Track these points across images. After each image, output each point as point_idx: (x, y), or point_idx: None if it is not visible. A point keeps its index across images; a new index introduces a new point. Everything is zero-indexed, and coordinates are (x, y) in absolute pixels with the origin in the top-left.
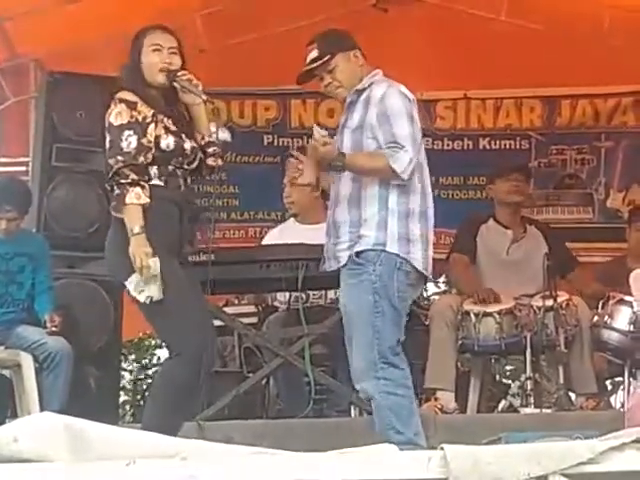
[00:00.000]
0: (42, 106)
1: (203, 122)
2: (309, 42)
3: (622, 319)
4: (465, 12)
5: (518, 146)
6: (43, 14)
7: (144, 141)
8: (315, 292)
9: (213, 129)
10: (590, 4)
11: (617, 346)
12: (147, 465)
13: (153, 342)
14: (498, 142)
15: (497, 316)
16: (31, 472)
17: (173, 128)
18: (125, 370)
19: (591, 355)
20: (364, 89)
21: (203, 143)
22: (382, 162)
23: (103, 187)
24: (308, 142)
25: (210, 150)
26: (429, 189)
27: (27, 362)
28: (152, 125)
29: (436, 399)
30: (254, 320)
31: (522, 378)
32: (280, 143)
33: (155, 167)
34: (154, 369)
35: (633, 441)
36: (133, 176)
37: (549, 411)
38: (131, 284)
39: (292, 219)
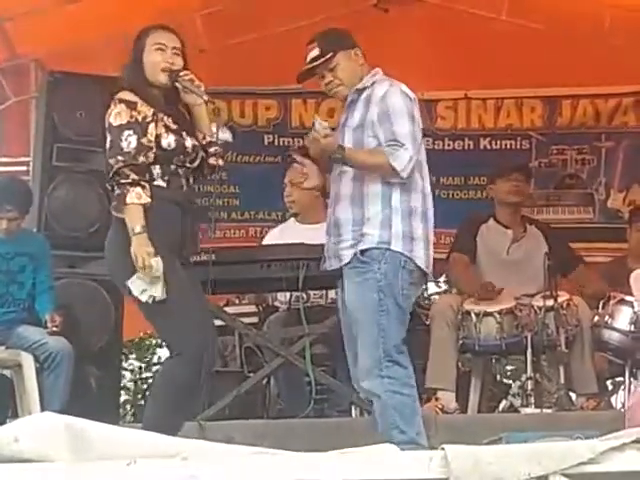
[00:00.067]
0: (42, 106)
1: (204, 122)
2: (310, 41)
3: (623, 319)
4: (466, 12)
5: (519, 146)
6: (43, 14)
7: (144, 141)
8: (316, 292)
9: (214, 129)
10: (591, 4)
11: (618, 346)
12: (148, 465)
13: (154, 342)
14: (499, 142)
15: (498, 316)
16: (32, 472)
17: (173, 126)
18: (126, 370)
19: (592, 355)
20: (365, 88)
21: (204, 143)
22: (382, 159)
23: (104, 187)
24: (308, 134)
25: (211, 150)
26: (429, 189)
27: (28, 362)
28: (152, 124)
29: (437, 399)
30: (255, 320)
31: (523, 378)
32: (281, 143)
33: (157, 167)
34: (155, 368)
35: (633, 441)
36: (133, 176)
37: (550, 411)
38: (133, 284)
39: (292, 219)
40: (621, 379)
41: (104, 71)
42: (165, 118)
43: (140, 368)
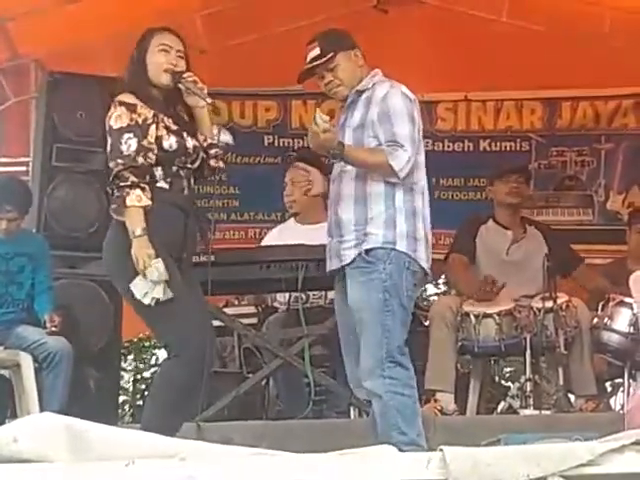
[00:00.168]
0: (42, 106)
1: (206, 124)
2: (310, 41)
3: (622, 321)
4: (466, 13)
5: (518, 148)
6: (44, 14)
7: (145, 143)
8: (315, 293)
9: (215, 131)
10: (591, 6)
11: (617, 348)
12: (146, 465)
13: (153, 342)
14: (498, 144)
15: (497, 317)
16: (31, 472)
17: (174, 127)
18: (125, 370)
19: (591, 357)
20: (365, 89)
21: (205, 145)
22: (381, 158)
23: (103, 187)
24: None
25: (212, 152)
26: (427, 190)
27: (27, 362)
28: (153, 126)
29: (436, 400)
30: (254, 321)
31: (522, 379)
32: (281, 144)
33: (159, 168)
34: (153, 369)
35: (633, 443)
36: (133, 178)
37: (548, 413)
38: (135, 288)
39: (292, 219)
40: (620, 381)
41: (104, 71)
42: (165, 119)
43: (137, 368)
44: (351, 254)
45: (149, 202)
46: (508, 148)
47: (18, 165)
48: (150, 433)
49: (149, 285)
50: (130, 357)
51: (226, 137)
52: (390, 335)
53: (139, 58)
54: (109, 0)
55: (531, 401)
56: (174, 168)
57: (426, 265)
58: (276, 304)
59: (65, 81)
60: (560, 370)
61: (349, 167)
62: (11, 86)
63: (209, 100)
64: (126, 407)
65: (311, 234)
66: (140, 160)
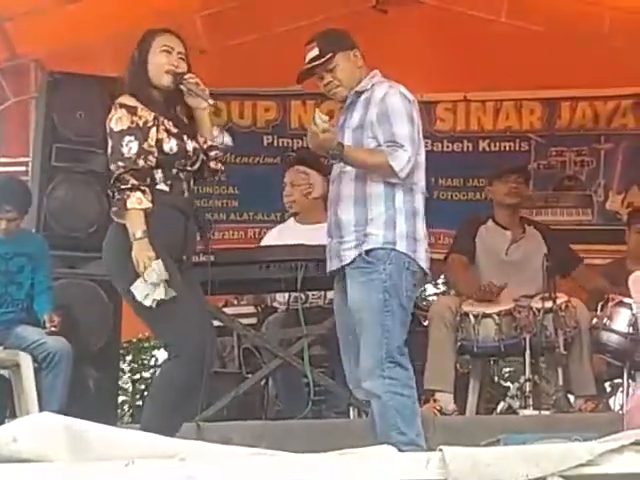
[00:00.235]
0: (42, 106)
1: (206, 126)
2: (309, 41)
3: (621, 321)
4: (465, 13)
5: (518, 148)
6: (43, 14)
7: (145, 146)
8: (314, 293)
9: (215, 133)
10: (590, 6)
11: (616, 348)
12: (146, 465)
13: (152, 343)
14: (498, 144)
15: (496, 317)
16: (30, 472)
17: (174, 130)
18: (123, 371)
19: (590, 357)
20: (364, 90)
21: (206, 147)
22: (381, 158)
23: (103, 187)
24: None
25: (212, 154)
26: (424, 190)
27: (26, 362)
28: (154, 129)
29: (435, 400)
30: (253, 321)
31: (521, 380)
32: (280, 144)
33: (160, 171)
34: (153, 369)
35: (632, 443)
36: (133, 181)
37: (548, 413)
38: (136, 290)
39: (292, 219)
40: (619, 381)
41: (104, 71)
42: (166, 122)
43: (136, 368)
44: (351, 255)
45: (150, 205)
46: (507, 148)
47: (18, 165)
48: (150, 433)
49: (149, 287)
50: (129, 357)
51: (226, 139)
52: (390, 335)
53: (140, 59)
54: (109, 0)
55: (530, 401)
56: (174, 171)
57: (426, 265)
58: (275, 304)
59: (65, 81)
60: (559, 370)
61: (349, 168)
62: (11, 86)
63: (211, 101)
64: (125, 407)
65: (311, 234)
66: (141, 163)
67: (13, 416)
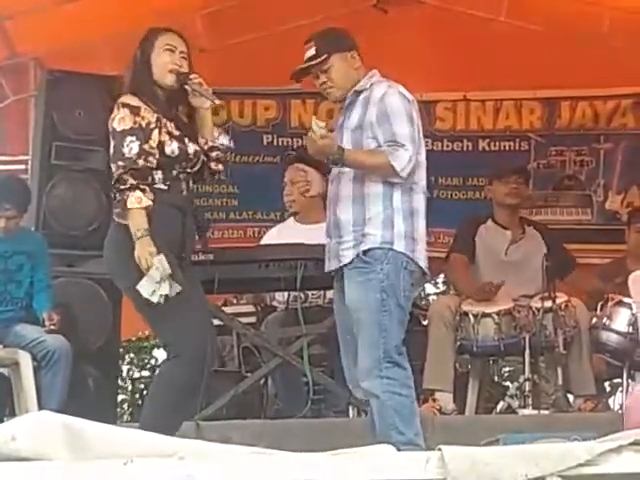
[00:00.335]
0: (42, 104)
1: (208, 126)
2: (307, 40)
3: (621, 321)
4: (465, 13)
5: (517, 147)
6: (43, 13)
7: (146, 147)
8: (314, 292)
9: (216, 134)
10: (590, 5)
11: (616, 348)
12: (145, 464)
13: (152, 343)
14: (497, 143)
15: (496, 317)
16: (29, 471)
17: (176, 133)
18: (123, 372)
19: (590, 357)
20: (363, 90)
21: (206, 148)
22: (382, 159)
23: (102, 185)
24: (308, 133)
25: (213, 154)
26: (426, 190)
27: (25, 360)
28: (156, 131)
29: (434, 400)
30: (253, 320)
31: (520, 379)
32: (280, 143)
33: (159, 172)
34: (153, 368)
35: (631, 443)
36: (132, 181)
37: (547, 412)
38: (142, 288)
39: (291, 219)
40: (619, 381)
41: (103, 70)
42: (168, 124)
43: (136, 366)
44: (349, 254)
45: (150, 202)
46: (507, 148)
47: (17, 163)
48: (149, 432)
49: (155, 284)
50: (129, 356)
51: (226, 140)
52: (387, 335)
53: (143, 58)
54: None
55: (530, 401)
56: (174, 172)
57: (424, 265)
58: (275, 303)
59: (64, 80)
60: (559, 370)
61: (347, 168)
62: (10, 84)
63: (217, 101)
64: (125, 406)
65: (310, 233)
66: (141, 163)
67: (12, 414)
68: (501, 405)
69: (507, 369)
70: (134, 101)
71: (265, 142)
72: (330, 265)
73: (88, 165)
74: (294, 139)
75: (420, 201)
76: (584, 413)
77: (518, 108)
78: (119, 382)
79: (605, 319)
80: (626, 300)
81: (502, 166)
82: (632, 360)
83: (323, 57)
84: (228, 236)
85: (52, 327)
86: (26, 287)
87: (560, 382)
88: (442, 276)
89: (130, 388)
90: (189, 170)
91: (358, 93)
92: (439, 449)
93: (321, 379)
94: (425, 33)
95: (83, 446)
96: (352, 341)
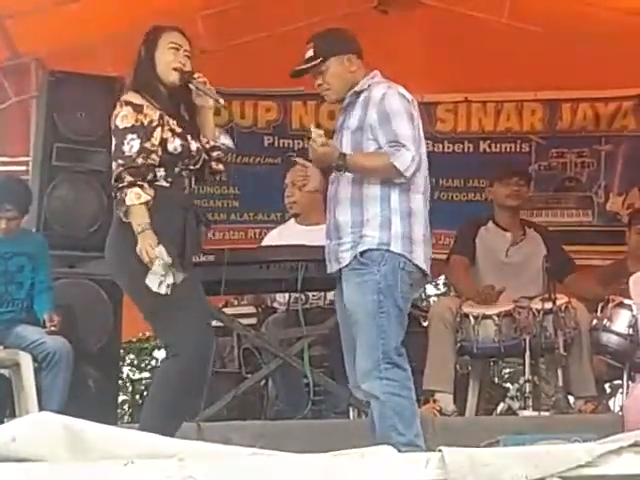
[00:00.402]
0: (43, 105)
1: (210, 126)
2: (308, 40)
3: (621, 322)
4: (465, 14)
5: (518, 149)
6: (44, 13)
7: (147, 145)
8: (314, 293)
9: (217, 134)
10: (590, 7)
11: (616, 349)
12: (145, 465)
13: (152, 344)
14: (498, 145)
15: (496, 318)
16: (29, 472)
17: (179, 130)
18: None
19: (590, 358)
20: (362, 90)
21: (208, 147)
22: (385, 161)
23: (103, 187)
24: (308, 143)
25: (214, 154)
26: (428, 190)
27: (26, 361)
28: (159, 129)
29: (435, 401)
30: (253, 321)
31: (521, 381)
32: (281, 144)
33: (162, 169)
34: (153, 369)
35: (631, 445)
36: (129, 178)
37: (547, 414)
38: (150, 282)
39: (292, 220)
40: (619, 382)
41: (105, 71)
42: (171, 122)
43: (136, 368)
44: (348, 256)
45: (149, 197)
46: (508, 149)
47: (18, 164)
48: (149, 433)
49: (160, 275)
50: (130, 357)
51: (227, 140)
52: (386, 336)
53: (147, 55)
54: (110, 0)
55: (530, 402)
56: (176, 169)
57: (424, 266)
58: (275, 304)
59: (65, 80)
60: (559, 371)
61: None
62: (11, 85)
63: (222, 101)
64: (125, 407)
65: (311, 235)
66: (140, 161)
67: (13, 415)
68: (501, 406)
69: (507, 370)
70: (137, 99)
71: (266, 143)
72: (331, 267)
73: (89, 166)
74: (295, 140)
75: (419, 201)
76: (584, 414)
77: (519, 110)
78: (120, 383)
79: (605, 320)
80: (626, 302)
81: (503, 168)
82: (632, 362)
83: (318, 61)
84: (229, 237)
85: (53, 328)
86: (27, 288)
87: (560, 384)
88: (443, 277)
89: (131, 389)
90: (191, 167)
91: (357, 94)
92: (439, 450)
93: (321, 380)
94: (426, 34)
95: (83, 447)
96: (352, 342)
